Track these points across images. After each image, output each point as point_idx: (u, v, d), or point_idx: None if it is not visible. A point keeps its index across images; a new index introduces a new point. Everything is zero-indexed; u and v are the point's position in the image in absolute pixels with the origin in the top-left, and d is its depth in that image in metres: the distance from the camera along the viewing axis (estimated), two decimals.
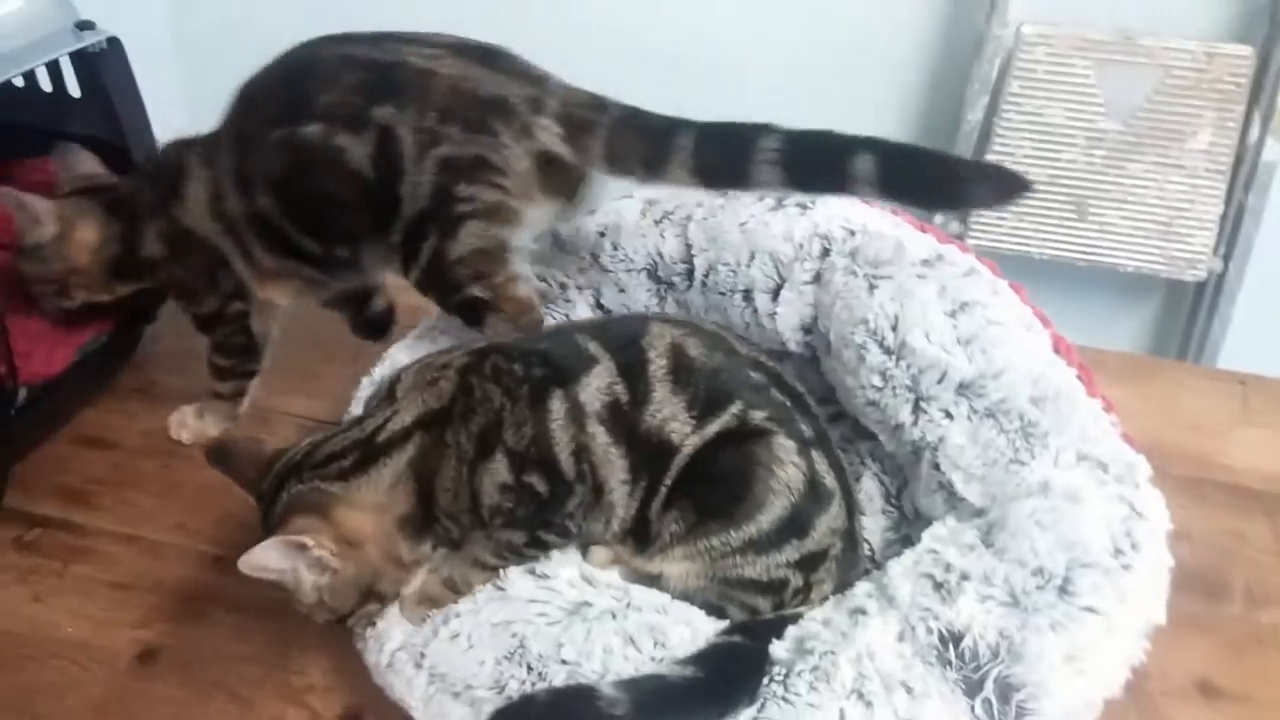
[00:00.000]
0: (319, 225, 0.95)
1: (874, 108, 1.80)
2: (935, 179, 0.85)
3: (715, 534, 0.77)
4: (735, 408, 0.79)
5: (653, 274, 1.03)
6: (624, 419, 0.78)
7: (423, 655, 0.76)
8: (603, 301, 1.05)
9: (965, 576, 0.75)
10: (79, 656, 0.86)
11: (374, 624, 0.79)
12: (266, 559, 0.73)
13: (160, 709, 0.82)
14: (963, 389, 0.84)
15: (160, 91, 2.02)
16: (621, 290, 1.04)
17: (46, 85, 1.09)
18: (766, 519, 0.77)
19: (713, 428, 0.78)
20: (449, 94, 0.89)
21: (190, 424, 1.07)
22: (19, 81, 1.00)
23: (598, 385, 0.78)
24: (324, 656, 0.84)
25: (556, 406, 0.77)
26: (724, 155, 0.86)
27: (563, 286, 1.05)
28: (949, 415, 0.85)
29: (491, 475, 0.77)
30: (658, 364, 0.80)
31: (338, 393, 1.03)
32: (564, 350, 0.81)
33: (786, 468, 0.78)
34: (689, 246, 1.00)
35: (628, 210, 1.05)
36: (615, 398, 0.78)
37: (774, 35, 1.77)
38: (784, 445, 0.78)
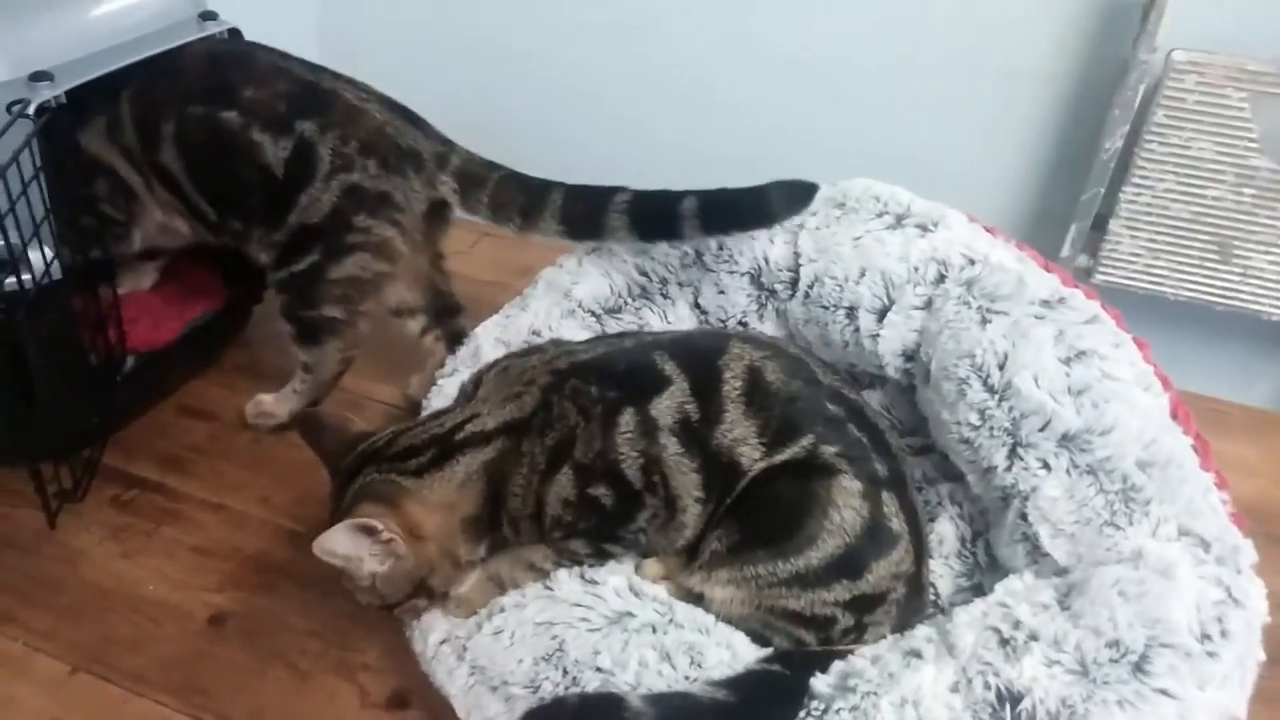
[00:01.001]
0: (220, 197, 1.03)
1: (1008, 127, 1.73)
2: (742, 207, 0.96)
3: (762, 562, 0.76)
4: (807, 440, 0.77)
5: (755, 279, 1.01)
6: (695, 435, 0.77)
7: (465, 648, 0.77)
8: (700, 301, 1.04)
9: (1034, 636, 0.71)
10: (155, 614, 0.89)
11: (419, 617, 0.80)
12: (337, 543, 0.74)
13: (222, 672, 0.85)
14: (1066, 440, 0.80)
15: None
16: (721, 292, 1.02)
17: None
18: (816, 555, 0.75)
19: (781, 457, 0.77)
20: (374, 133, 1.01)
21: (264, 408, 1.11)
22: None
23: (668, 404, 0.78)
24: (381, 638, 0.86)
25: (626, 420, 0.77)
26: (585, 207, 0.99)
27: (663, 281, 1.04)
28: (1046, 466, 0.81)
29: (557, 488, 0.77)
30: (732, 384, 0.78)
31: None
32: (639, 371, 0.80)
33: (844, 511, 0.76)
34: (797, 255, 0.98)
35: None
36: (686, 416, 0.78)
37: (909, 48, 1.73)
38: (846, 489, 0.76)
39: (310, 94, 1.01)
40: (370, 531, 0.74)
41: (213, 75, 1.01)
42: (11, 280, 0.83)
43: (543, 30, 1.96)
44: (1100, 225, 1.65)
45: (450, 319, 1.13)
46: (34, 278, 0.87)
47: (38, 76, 0.87)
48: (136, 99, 1.00)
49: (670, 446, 0.77)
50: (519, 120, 2.04)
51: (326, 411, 0.88)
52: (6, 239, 0.81)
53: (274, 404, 1.10)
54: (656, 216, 0.97)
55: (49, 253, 0.89)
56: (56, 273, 0.90)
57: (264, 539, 0.97)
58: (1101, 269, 1.65)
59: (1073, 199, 1.65)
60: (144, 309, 1.08)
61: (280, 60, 1.03)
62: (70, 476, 0.97)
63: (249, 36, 1.10)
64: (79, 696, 0.82)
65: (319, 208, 0.99)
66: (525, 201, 1.00)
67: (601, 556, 0.81)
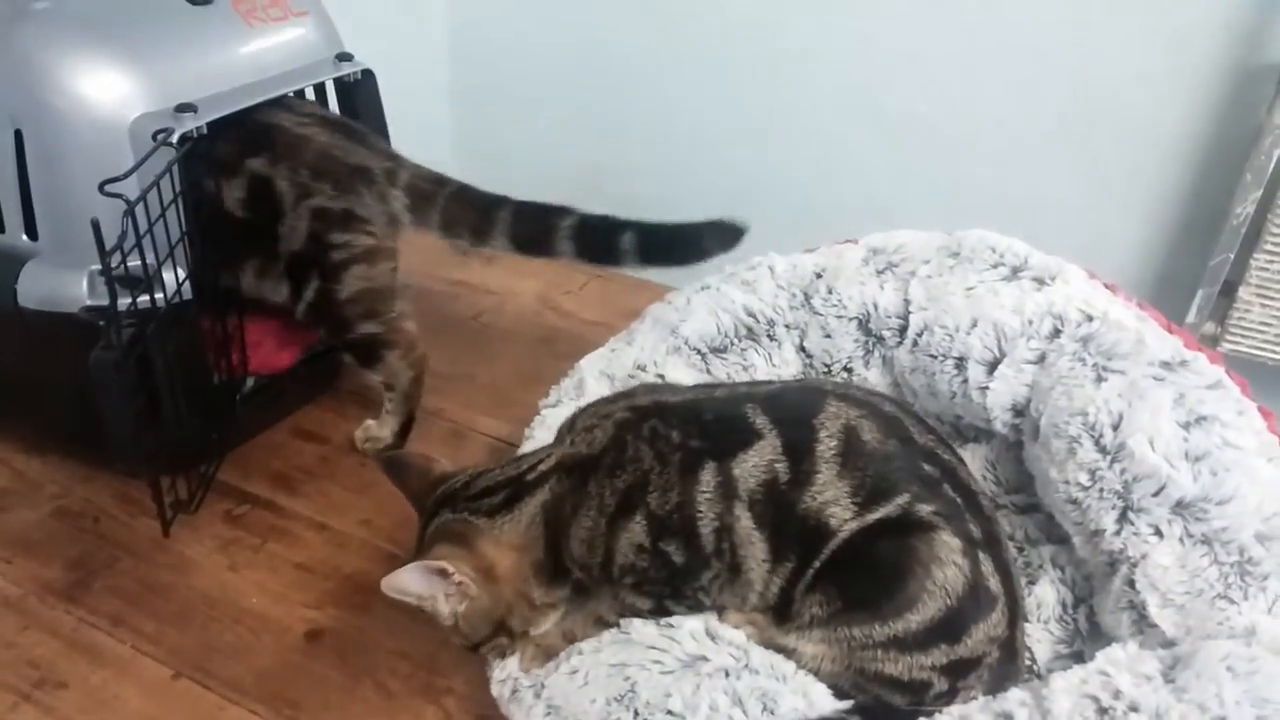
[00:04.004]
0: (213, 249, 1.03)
1: (1135, 188, 1.69)
2: (677, 243, 1.00)
3: (858, 624, 0.74)
4: (902, 499, 0.74)
5: (863, 325, 1.00)
6: (779, 498, 0.75)
7: (543, 686, 0.77)
8: (805, 344, 1.03)
9: (1134, 708, 0.68)
10: (256, 626, 0.92)
11: (504, 656, 0.81)
12: (407, 583, 0.76)
13: (314, 686, 0.87)
14: (1180, 508, 0.77)
15: (433, 124, 2.22)
16: (827, 336, 1.01)
17: None
18: (916, 619, 0.72)
19: (874, 516, 0.74)
20: (321, 157, 1.03)
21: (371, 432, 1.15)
22: None
23: (755, 462, 0.76)
24: (468, 666, 0.87)
25: (707, 479, 0.75)
26: (533, 228, 1.01)
27: (770, 323, 1.04)
28: (1158, 533, 0.78)
29: (630, 535, 0.76)
30: (827, 444, 0.76)
31: (528, 418, 1.06)
32: (728, 423, 0.78)
33: (946, 568, 0.73)
34: (907, 302, 0.97)
35: (850, 255, 1.03)
36: (774, 475, 0.75)
37: (1037, 106, 1.71)
38: (947, 544, 0.73)
39: (254, 132, 1.03)
40: (443, 573, 0.75)
41: (210, 140, 0.99)
42: (145, 298, 0.88)
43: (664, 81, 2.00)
44: (1229, 292, 1.58)
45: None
46: (166, 297, 0.92)
47: (183, 108, 0.93)
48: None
49: (743, 519, 0.75)
50: (635, 160, 2.08)
51: (410, 452, 0.90)
52: (143, 259, 0.87)
53: (377, 428, 1.13)
54: (600, 244, 1.00)
55: (181, 273, 0.94)
56: (187, 293, 0.95)
57: (363, 560, 1.00)
58: (1229, 337, 1.58)
59: (1200, 264, 1.59)
60: (267, 333, 1.13)
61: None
62: (186, 489, 1.02)
63: (382, 80, 1.16)
64: (179, 701, 0.85)
65: (297, 235, 1.03)
66: (475, 219, 1.02)
67: (664, 614, 0.79)
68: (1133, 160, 1.67)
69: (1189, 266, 1.64)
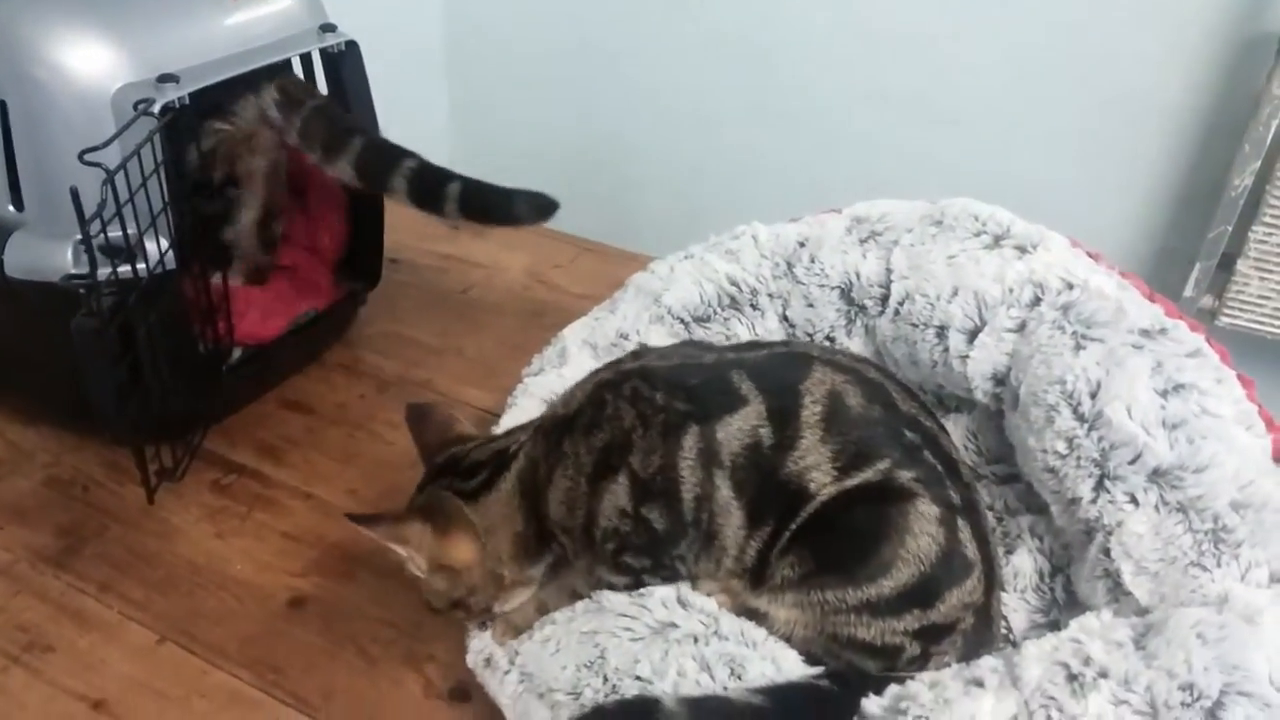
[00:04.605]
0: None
1: (1132, 161, 1.68)
2: (494, 203, 1.04)
3: (831, 588, 0.74)
4: (883, 465, 0.74)
5: (845, 294, 1.00)
6: (762, 462, 0.75)
7: (517, 654, 0.78)
8: (788, 314, 1.03)
9: (1104, 674, 0.68)
10: (240, 593, 0.93)
11: (484, 628, 0.82)
12: (369, 534, 0.78)
13: (297, 651, 0.88)
14: (1156, 475, 0.77)
15: (428, 98, 2.22)
16: (810, 305, 1.01)
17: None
18: (890, 584, 0.73)
19: (853, 481, 0.74)
20: None
21: None
22: None
23: (740, 426, 0.75)
24: (450, 632, 0.87)
25: (689, 444, 0.75)
26: (377, 162, 1.04)
27: (753, 292, 1.04)
28: (1134, 501, 0.78)
29: (612, 497, 0.76)
30: (811, 410, 0.76)
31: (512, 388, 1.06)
32: (713, 387, 0.78)
33: (920, 539, 0.73)
34: (889, 271, 0.97)
35: (833, 224, 1.03)
36: (758, 440, 0.75)
37: (1033, 79, 1.70)
38: (924, 513, 0.73)
39: None
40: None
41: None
42: (126, 268, 0.89)
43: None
44: (1227, 265, 1.57)
45: None
46: (148, 267, 0.93)
47: (165, 78, 0.93)
48: None
49: (723, 489, 0.75)
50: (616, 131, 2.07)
51: (435, 405, 0.90)
52: (124, 228, 0.87)
53: None
54: (429, 190, 1.03)
55: (164, 243, 0.94)
56: (170, 263, 0.96)
57: (348, 528, 0.97)
58: (1227, 311, 1.57)
59: (1198, 237, 1.59)
60: (253, 303, 1.14)
61: None
62: (171, 457, 1.03)
63: (371, 51, 1.15)
64: (164, 665, 0.86)
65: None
66: (328, 138, 1.05)
67: (640, 588, 0.80)
68: (1130, 133, 1.66)
69: (1187, 240, 1.64)
